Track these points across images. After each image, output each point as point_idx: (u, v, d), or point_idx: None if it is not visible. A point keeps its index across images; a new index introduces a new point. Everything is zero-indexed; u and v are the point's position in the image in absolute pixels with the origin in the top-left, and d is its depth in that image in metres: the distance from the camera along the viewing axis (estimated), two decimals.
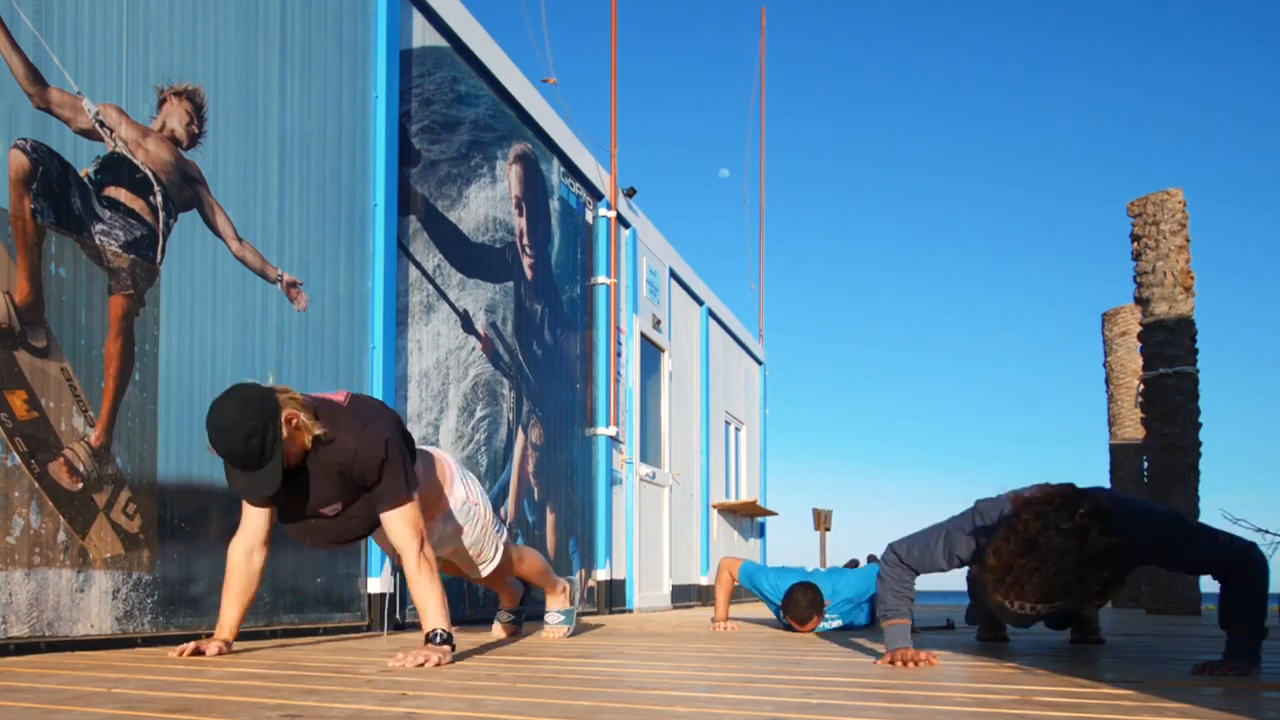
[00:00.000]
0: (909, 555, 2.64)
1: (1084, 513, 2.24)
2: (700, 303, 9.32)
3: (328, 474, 2.62)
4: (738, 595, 5.39)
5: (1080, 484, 2.44)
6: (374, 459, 2.59)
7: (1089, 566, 2.23)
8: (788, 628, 4.46)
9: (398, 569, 3.24)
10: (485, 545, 3.24)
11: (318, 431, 2.55)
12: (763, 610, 5.50)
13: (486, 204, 5.29)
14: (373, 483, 2.63)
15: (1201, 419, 6.75)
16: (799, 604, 4.24)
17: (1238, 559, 2.35)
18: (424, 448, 3.12)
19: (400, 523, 2.62)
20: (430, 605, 2.58)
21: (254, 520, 2.72)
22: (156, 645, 3.03)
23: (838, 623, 4.38)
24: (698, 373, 9.22)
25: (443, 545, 3.10)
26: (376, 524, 2.74)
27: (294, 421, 2.52)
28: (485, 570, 3.32)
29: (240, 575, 2.73)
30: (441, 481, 3.08)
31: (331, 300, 4.02)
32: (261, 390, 2.51)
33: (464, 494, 3.13)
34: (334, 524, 2.73)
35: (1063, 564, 2.22)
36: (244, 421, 2.42)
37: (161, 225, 3.24)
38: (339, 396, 2.71)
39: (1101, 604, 2.40)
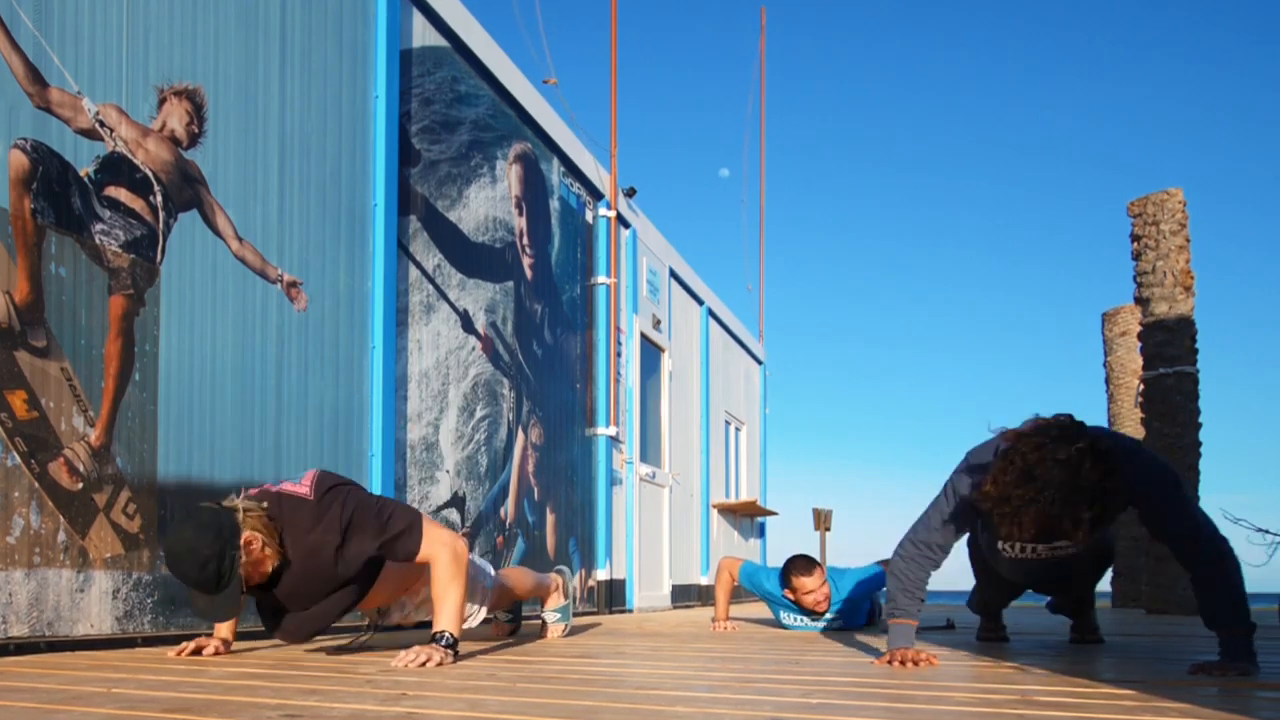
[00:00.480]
0: (916, 535, 2.63)
1: (1080, 447, 2.26)
2: (700, 302, 9.32)
3: (310, 577, 2.58)
4: (738, 595, 5.40)
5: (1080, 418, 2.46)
6: (357, 560, 2.55)
7: (1081, 497, 2.25)
8: (787, 625, 4.46)
9: (375, 627, 3.13)
10: (470, 601, 3.17)
11: (278, 558, 2.50)
12: (763, 610, 5.51)
13: (486, 204, 5.29)
14: (356, 562, 2.58)
15: (1201, 419, 6.75)
16: (798, 564, 4.20)
17: (1207, 541, 2.35)
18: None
19: (426, 547, 2.59)
20: (445, 607, 2.57)
21: None
22: (156, 645, 3.03)
23: (839, 623, 4.38)
24: (698, 373, 9.22)
25: (425, 610, 3.02)
26: (354, 602, 2.71)
27: (252, 545, 2.46)
28: (470, 624, 3.24)
29: None
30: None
31: (331, 300, 4.02)
32: (218, 513, 2.43)
33: None
34: (317, 613, 2.67)
35: (1059, 495, 2.24)
36: (199, 550, 2.36)
37: (161, 225, 3.24)
38: (304, 487, 2.59)
39: (1088, 537, 2.40)
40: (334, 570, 2.57)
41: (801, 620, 4.42)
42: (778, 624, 4.63)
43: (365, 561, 2.60)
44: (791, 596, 4.29)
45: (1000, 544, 2.86)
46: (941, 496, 2.64)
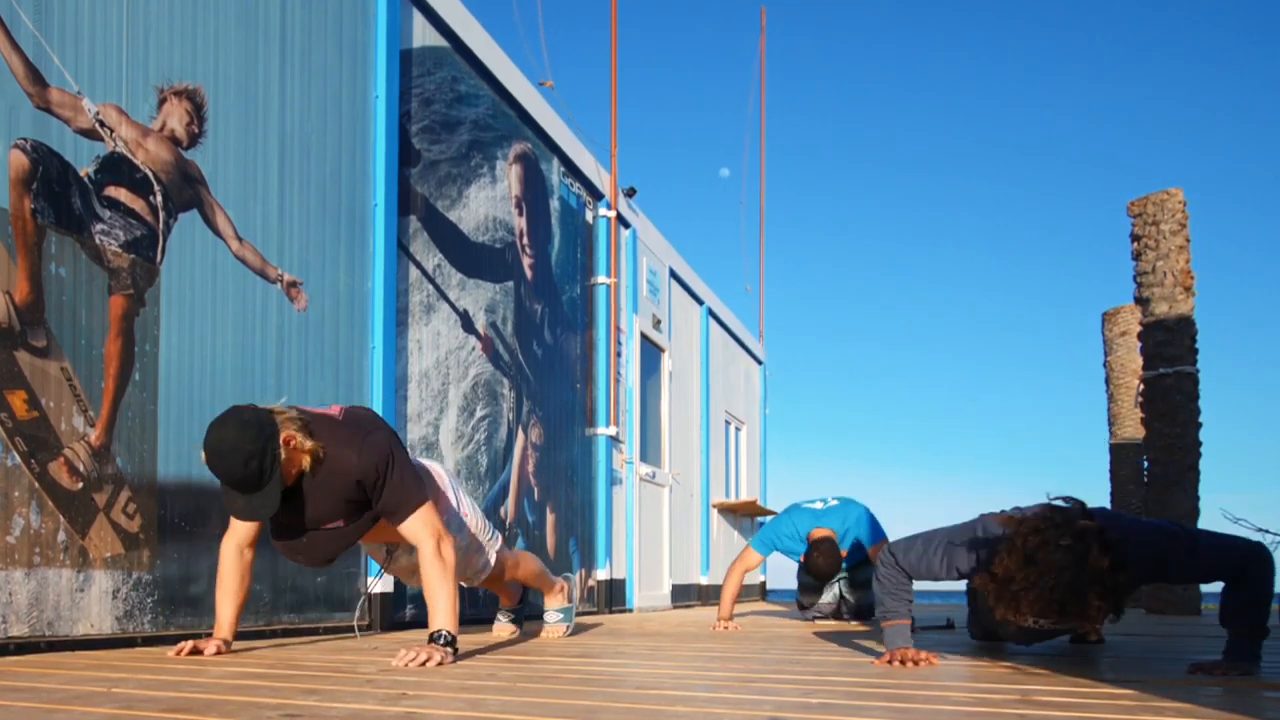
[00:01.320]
0: (906, 560, 2.63)
1: (1082, 531, 2.21)
2: (700, 302, 9.32)
3: (326, 492, 2.61)
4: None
5: (1083, 495, 2.41)
6: (376, 472, 2.58)
7: (1088, 584, 2.20)
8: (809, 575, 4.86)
9: (381, 572, 3.21)
10: (477, 555, 3.22)
11: (315, 451, 2.55)
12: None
13: (486, 204, 5.29)
14: (376, 496, 2.62)
15: (1201, 419, 6.75)
16: (820, 568, 4.64)
17: (1253, 560, 2.32)
18: (415, 460, 3.11)
19: (416, 525, 2.63)
20: (439, 605, 2.58)
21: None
22: (156, 645, 3.03)
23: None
24: (698, 373, 9.22)
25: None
26: (364, 533, 2.74)
27: (291, 443, 2.51)
28: (476, 579, 3.30)
29: (234, 573, 2.73)
30: (436, 491, 3.07)
31: (331, 300, 4.02)
32: (258, 412, 2.50)
33: (455, 505, 3.12)
34: (324, 540, 2.71)
35: (1060, 580, 2.18)
36: (242, 445, 2.41)
37: (161, 225, 3.24)
38: (333, 410, 2.70)
39: (1100, 622, 2.38)
40: (351, 487, 2.60)
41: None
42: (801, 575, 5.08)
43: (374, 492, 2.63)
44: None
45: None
46: (942, 544, 2.60)
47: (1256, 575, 2.32)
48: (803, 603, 5.31)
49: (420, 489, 2.67)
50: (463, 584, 3.39)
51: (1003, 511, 2.52)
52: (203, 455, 2.46)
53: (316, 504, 2.63)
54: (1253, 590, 2.32)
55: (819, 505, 4.82)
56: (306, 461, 2.55)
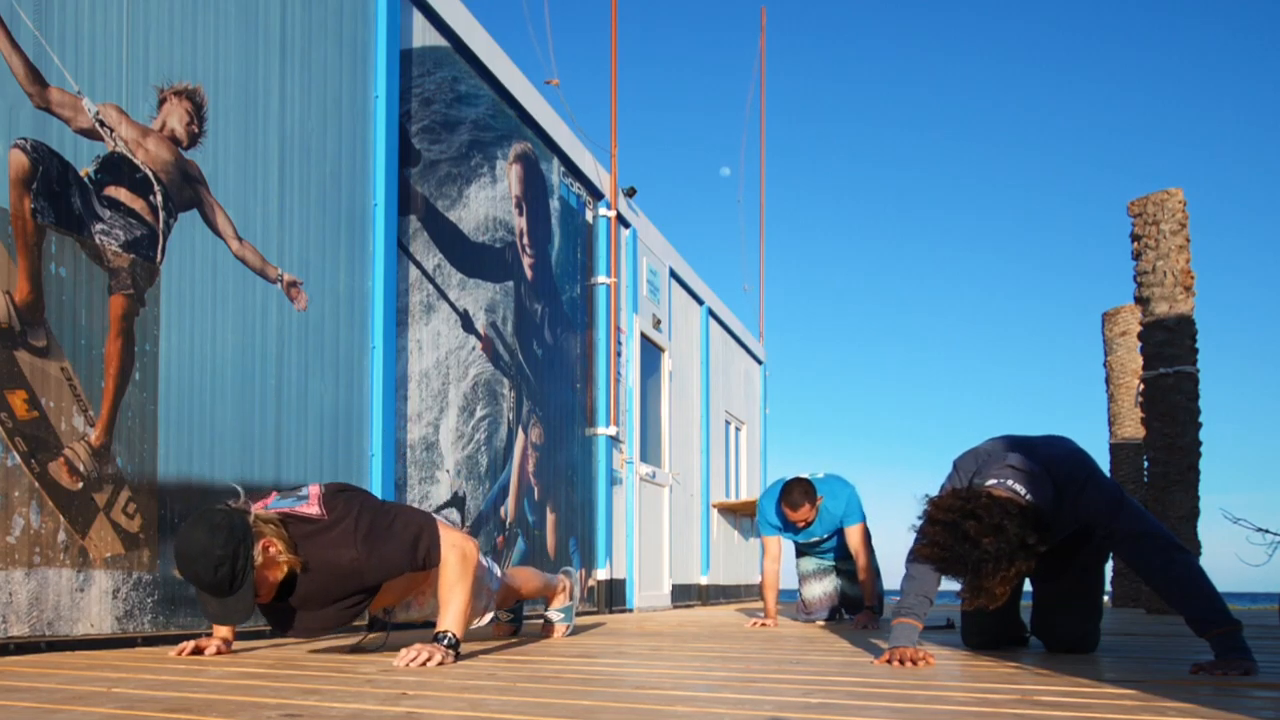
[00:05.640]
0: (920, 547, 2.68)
1: (959, 515, 2.39)
2: (700, 302, 9.32)
3: (323, 589, 2.55)
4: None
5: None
6: (391, 570, 2.54)
7: (1024, 545, 2.38)
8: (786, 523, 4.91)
9: (387, 625, 3.12)
10: (476, 601, 3.16)
11: (294, 565, 2.48)
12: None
13: (486, 204, 5.29)
14: (397, 573, 2.59)
15: (1201, 419, 6.75)
16: (792, 492, 4.74)
17: (1179, 549, 2.45)
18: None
19: (442, 553, 2.60)
20: (450, 608, 2.56)
21: None
22: (156, 645, 3.03)
23: (822, 542, 5.02)
24: (698, 372, 9.22)
25: (432, 609, 2.97)
26: (372, 601, 2.70)
27: (270, 550, 2.43)
28: (481, 621, 3.23)
29: None
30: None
31: (331, 300, 4.02)
32: (230, 514, 2.40)
33: None
34: (331, 614, 2.64)
35: (990, 549, 2.36)
36: (211, 551, 2.33)
37: (161, 225, 3.24)
38: (312, 506, 2.56)
39: (1020, 575, 2.53)
40: (359, 582, 2.55)
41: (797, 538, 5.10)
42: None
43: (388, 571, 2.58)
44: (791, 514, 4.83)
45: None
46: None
47: (1182, 559, 2.43)
48: (804, 602, 5.33)
49: (419, 520, 2.61)
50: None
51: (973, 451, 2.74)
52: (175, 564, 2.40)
53: (316, 600, 2.57)
54: (1199, 586, 2.40)
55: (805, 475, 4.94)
56: (282, 573, 2.47)
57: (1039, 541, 2.41)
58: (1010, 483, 2.48)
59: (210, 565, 2.34)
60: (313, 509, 2.55)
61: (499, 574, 3.26)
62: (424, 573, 2.83)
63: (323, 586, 2.54)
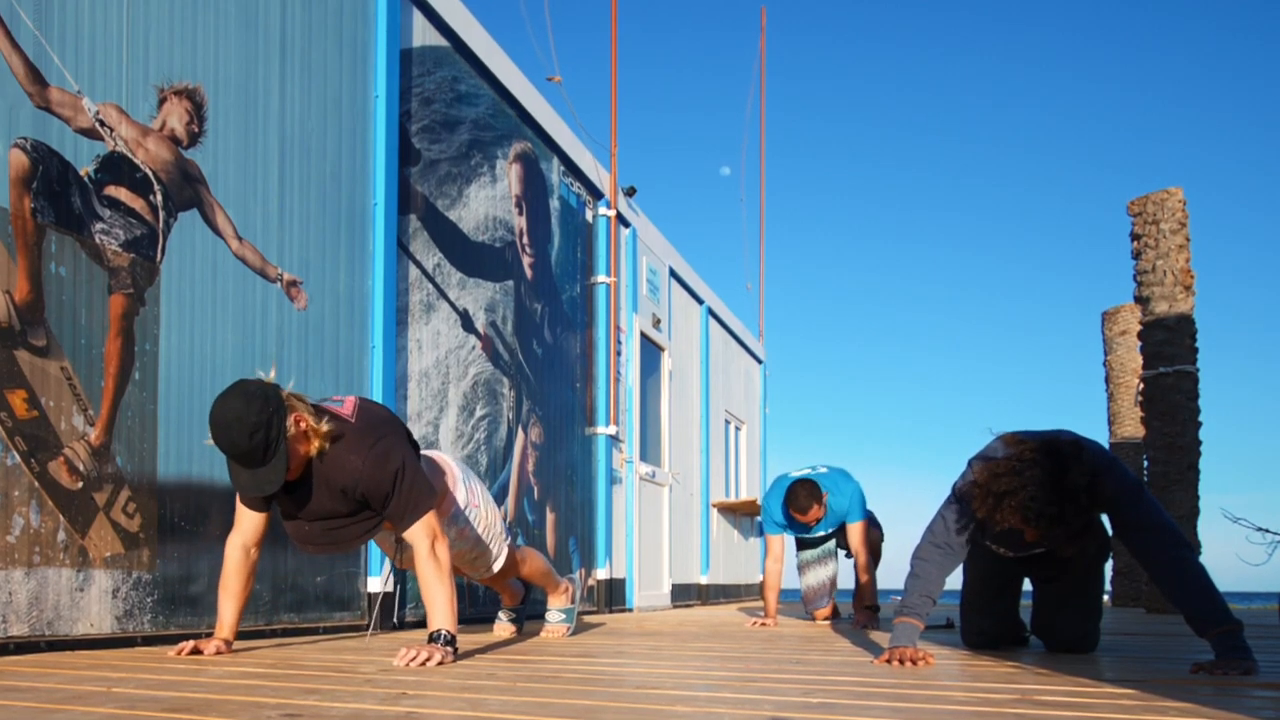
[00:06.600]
0: (935, 538, 2.72)
1: (1063, 452, 2.42)
2: (700, 302, 9.32)
3: (329, 489, 2.58)
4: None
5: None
6: (380, 486, 2.55)
7: (1066, 500, 2.40)
8: (792, 521, 4.86)
9: (395, 568, 3.20)
10: (487, 548, 3.21)
11: (324, 440, 2.50)
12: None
13: (486, 203, 5.29)
14: (382, 505, 2.60)
15: (1201, 418, 6.75)
16: (798, 496, 4.72)
17: (1187, 546, 2.47)
18: (427, 452, 3.09)
19: (416, 529, 2.61)
20: (437, 605, 2.56)
21: (250, 519, 2.71)
22: (156, 645, 3.03)
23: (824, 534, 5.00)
24: (698, 372, 9.21)
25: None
26: (374, 532, 2.73)
27: (302, 424, 2.47)
28: (487, 573, 3.30)
29: (238, 573, 2.71)
30: (443, 487, 3.06)
31: (331, 299, 4.02)
32: (265, 385, 2.45)
33: (465, 498, 3.10)
34: (332, 532, 2.69)
35: (1040, 489, 2.38)
36: (247, 418, 2.36)
37: (161, 224, 3.24)
38: (345, 409, 2.63)
39: (1072, 541, 2.58)
40: (350, 500, 2.57)
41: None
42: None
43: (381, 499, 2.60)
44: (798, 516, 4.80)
45: (990, 543, 2.91)
46: (951, 499, 2.72)
47: (1189, 557, 2.45)
48: (805, 596, 5.35)
49: (427, 498, 2.63)
50: (473, 578, 3.38)
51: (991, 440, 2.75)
52: (209, 432, 2.41)
53: (319, 499, 2.60)
54: (1203, 586, 2.40)
55: (807, 471, 4.95)
56: (315, 447, 2.49)
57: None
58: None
59: (246, 431, 2.36)
60: (345, 410, 2.61)
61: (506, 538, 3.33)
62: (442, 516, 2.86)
63: (327, 484, 2.56)
